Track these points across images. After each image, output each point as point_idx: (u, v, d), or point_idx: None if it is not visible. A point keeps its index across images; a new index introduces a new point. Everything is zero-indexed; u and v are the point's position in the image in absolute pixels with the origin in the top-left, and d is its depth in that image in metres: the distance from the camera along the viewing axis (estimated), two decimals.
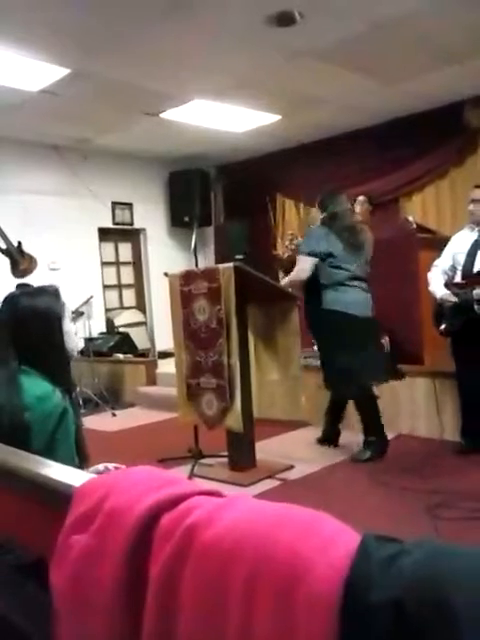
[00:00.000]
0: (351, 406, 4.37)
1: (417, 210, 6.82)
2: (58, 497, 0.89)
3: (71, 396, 1.72)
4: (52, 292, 1.71)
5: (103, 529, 0.76)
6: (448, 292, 3.95)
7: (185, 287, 3.84)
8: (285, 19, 4.19)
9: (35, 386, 1.56)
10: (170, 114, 6.29)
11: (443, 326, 3.99)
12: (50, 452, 1.42)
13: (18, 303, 1.68)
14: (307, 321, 4.23)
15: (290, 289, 4.12)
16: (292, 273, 4.17)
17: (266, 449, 4.20)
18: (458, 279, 4.00)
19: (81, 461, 1.62)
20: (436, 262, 4.20)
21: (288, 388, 3.93)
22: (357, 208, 5.90)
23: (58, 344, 1.69)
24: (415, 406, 4.60)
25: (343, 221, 4.11)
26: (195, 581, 0.67)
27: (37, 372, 1.60)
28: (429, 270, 4.23)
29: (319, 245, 3.99)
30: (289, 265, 6.80)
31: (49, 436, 1.52)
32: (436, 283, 4.08)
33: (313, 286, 4.04)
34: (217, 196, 8.73)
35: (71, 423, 1.58)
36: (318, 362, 4.73)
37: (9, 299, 1.70)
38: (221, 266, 3.74)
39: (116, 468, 1.53)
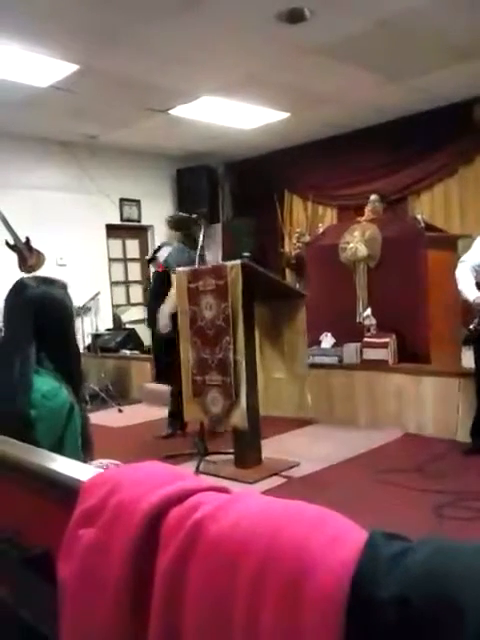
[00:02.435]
0: (359, 400, 4.37)
1: (425, 209, 6.80)
2: (65, 491, 0.89)
3: (78, 392, 1.69)
4: (61, 285, 1.69)
5: (110, 523, 0.77)
6: None
7: (192, 284, 3.84)
8: (295, 16, 4.19)
9: (42, 383, 1.53)
10: (179, 111, 6.29)
11: (473, 325, 3.91)
12: (56, 450, 1.41)
13: (35, 289, 1.61)
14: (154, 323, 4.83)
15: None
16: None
17: (272, 447, 4.20)
18: None
19: (86, 453, 1.60)
20: (463, 257, 4.07)
21: (294, 386, 3.93)
22: (369, 207, 5.89)
23: (72, 336, 1.66)
24: (422, 405, 4.59)
25: (195, 240, 4.78)
26: (202, 576, 0.67)
27: (50, 365, 1.57)
28: (456, 266, 4.10)
29: (184, 259, 4.59)
30: (296, 262, 6.84)
31: (56, 435, 1.50)
32: (467, 283, 3.94)
33: (165, 291, 4.63)
34: (225, 193, 8.73)
35: (78, 421, 1.56)
36: (321, 359, 4.89)
37: (22, 286, 1.63)
38: (228, 263, 3.73)
39: (115, 465, 1.52)
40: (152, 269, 5.47)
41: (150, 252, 5.93)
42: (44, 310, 1.59)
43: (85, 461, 1.53)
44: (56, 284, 1.66)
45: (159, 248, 5.28)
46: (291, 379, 3.95)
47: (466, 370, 4.32)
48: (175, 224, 4.96)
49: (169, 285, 4.71)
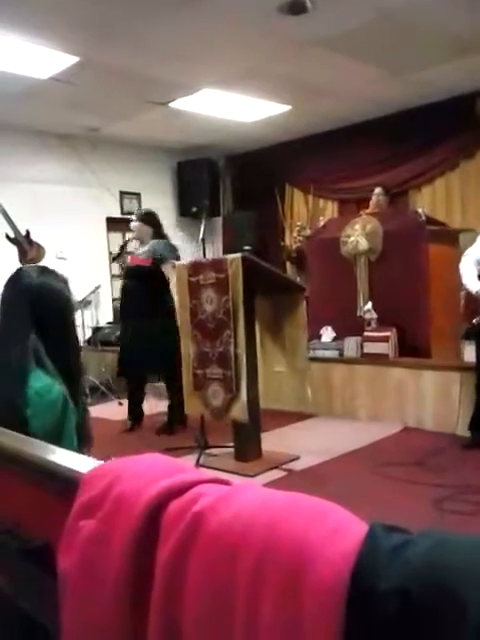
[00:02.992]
0: (359, 393, 4.36)
1: (427, 202, 6.78)
2: (65, 483, 0.89)
3: (77, 385, 1.65)
4: (62, 279, 1.65)
5: (110, 515, 0.77)
6: None
7: (193, 277, 3.84)
8: (297, 7, 4.16)
9: (35, 380, 1.49)
10: (179, 103, 6.27)
11: (477, 320, 3.92)
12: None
13: (33, 279, 1.56)
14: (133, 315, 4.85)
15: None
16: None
17: (272, 440, 4.21)
18: None
19: (84, 447, 1.59)
20: (467, 251, 4.08)
21: (294, 379, 3.94)
22: (373, 200, 5.87)
23: (72, 327, 1.62)
24: (422, 399, 4.59)
25: (165, 235, 4.98)
26: (201, 568, 0.67)
27: (48, 357, 1.53)
28: (459, 260, 4.11)
29: (168, 251, 4.74)
30: (297, 256, 6.82)
31: (50, 430, 1.47)
32: (470, 276, 3.95)
33: (158, 285, 4.66)
34: (226, 186, 8.71)
35: (73, 416, 1.53)
36: (322, 353, 4.88)
37: (19, 275, 1.57)
38: (229, 256, 3.73)
39: None
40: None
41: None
42: (42, 300, 1.54)
43: (82, 451, 1.52)
44: (55, 275, 1.63)
45: (127, 242, 5.17)
46: (292, 373, 3.95)
47: (466, 364, 4.32)
48: (148, 219, 4.93)
49: (163, 279, 4.66)
